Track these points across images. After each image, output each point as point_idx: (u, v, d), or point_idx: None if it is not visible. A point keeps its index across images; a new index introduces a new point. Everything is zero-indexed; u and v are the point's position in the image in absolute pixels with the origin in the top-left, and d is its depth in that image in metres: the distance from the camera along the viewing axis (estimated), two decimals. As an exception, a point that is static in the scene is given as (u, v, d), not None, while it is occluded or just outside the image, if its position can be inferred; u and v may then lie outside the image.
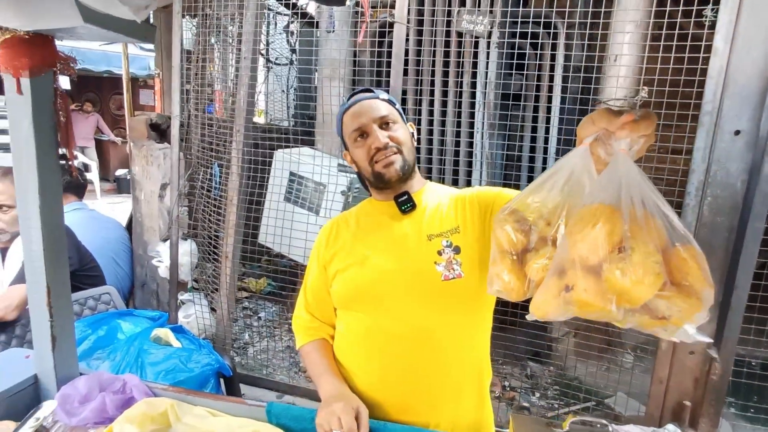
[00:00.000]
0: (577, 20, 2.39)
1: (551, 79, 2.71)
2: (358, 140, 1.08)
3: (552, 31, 2.69)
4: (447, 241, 1.03)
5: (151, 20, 3.53)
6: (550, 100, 2.74)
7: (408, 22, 2.50)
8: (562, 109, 2.65)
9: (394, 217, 1.09)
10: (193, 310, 2.30)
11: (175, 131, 2.26)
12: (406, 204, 1.08)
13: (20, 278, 1.76)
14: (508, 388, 2.52)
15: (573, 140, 2.42)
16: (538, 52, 2.75)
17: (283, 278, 2.93)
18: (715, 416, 1.63)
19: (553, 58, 2.70)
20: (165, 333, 1.94)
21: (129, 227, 2.81)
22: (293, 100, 4.09)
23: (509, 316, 2.37)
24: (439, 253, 1.02)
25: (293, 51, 3.60)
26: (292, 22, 3.80)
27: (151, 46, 8.90)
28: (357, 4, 2.18)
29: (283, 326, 2.93)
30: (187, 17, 2.78)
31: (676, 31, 1.83)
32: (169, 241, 2.30)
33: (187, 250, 2.33)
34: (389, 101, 1.11)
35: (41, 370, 1.17)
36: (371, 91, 1.13)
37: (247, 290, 3.23)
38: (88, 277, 2.11)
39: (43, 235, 1.08)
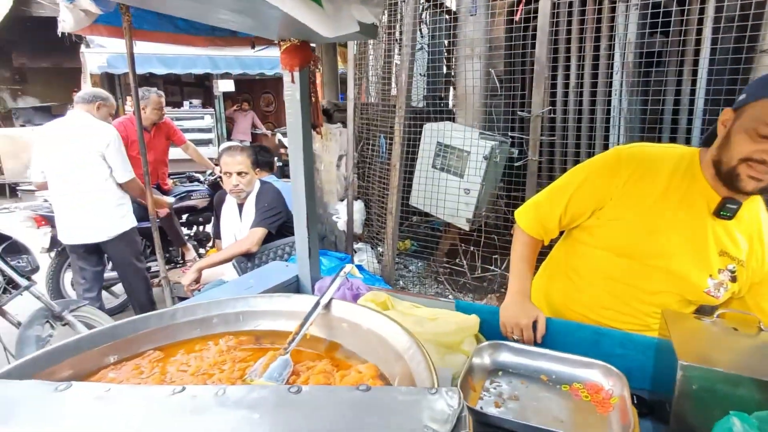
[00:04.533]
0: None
1: (699, 32, 2.65)
2: (761, 137, 0.92)
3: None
4: (733, 266, 1.08)
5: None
6: (696, 54, 2.69)
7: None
8: (711, 60, 2.59)
9: (710, 211, 1.06)
10: (365, 256, 2.85)
11: (350, 112, 2.81)
12: (726, 212, 1.04)
13: (257, 223, 2.44)
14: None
15: (721, 100, 2.39)
16: (683, 7, 2.70)
17: (425, 239, 3.36)
18: None
19: (702, 11, 2.64)
20: (351, 268, 2.50)
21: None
22: (425, 83, 4.48)
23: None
24: (719, 271, 1.09)
25: (431, 37, 3.97)
26: (426, 11, 4.16)
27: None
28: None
29: (428, 278, 3.38)
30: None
31: None
32: (345, 201, 2.88)
33: (360, 208, 2.88)
34: None
35: (301, 271, 1.73)
36: None
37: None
38: (290, 228, 2.76)
39: (304, 176, 1.61)
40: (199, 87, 9.74)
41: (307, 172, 1.62)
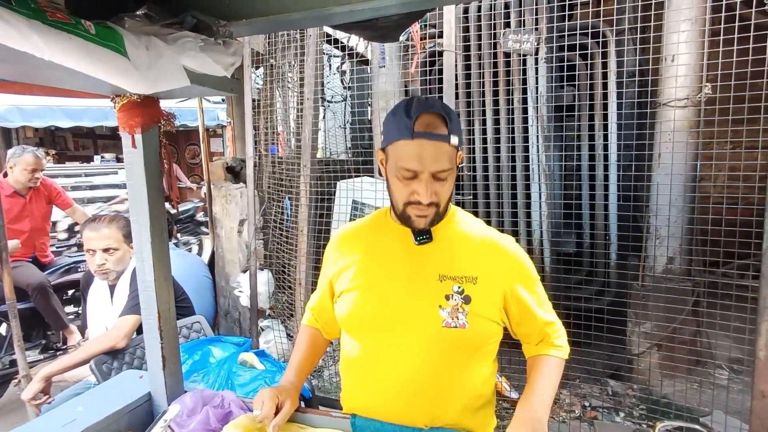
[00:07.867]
0: (626, 26, 2.37)
1: (605, 86, 2.68)
2: (405, 178, 0.95)
3: (601, 39, 2.67)
4: (459, 287, 0.99)
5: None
6: (605, 107, 2.70)
7: (455, 49, 2.60)
8: (619, 115, 2.60)
9: (410, 246, 1.03)
10: (272, 336, 2.45)
11: (249, 171, 2.50)
12: (422, 236, 1.01)
13: (127, 311, 2.00)
14: (589, 408, 2.40)
15: (633, 144, 2.35)
16: (588, 62, 2.74)
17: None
18: (833, 430, 1.47)
19: (604, 66, 2.68)
20: (250, 357, 2.09)
21: (211, 263, 3.07)
22: (349, 133, 4.31)
23: (583, 329, 2.30)
24: (447, 297, 0.99)
25: (348, 88, 3.83)
26: (344, 62, 4.06)
27: (217, 99, 9.75)
28: (406, 39, 2.34)
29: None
30: (252, 69, 3.09)
31: (737, 24, 1.77)
32: (248, 272, 2.51)
33: (265, 279, 2.51)
34: (457, 146, 0.95)
35: (154, 387, 1.33)
36: (446, 120, 0.93)
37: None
38: (180, 308, 2.31)
39: (154, 266, 1.24)
40: (116, 140, 9.05)
41: (157, 260, 1.26)
